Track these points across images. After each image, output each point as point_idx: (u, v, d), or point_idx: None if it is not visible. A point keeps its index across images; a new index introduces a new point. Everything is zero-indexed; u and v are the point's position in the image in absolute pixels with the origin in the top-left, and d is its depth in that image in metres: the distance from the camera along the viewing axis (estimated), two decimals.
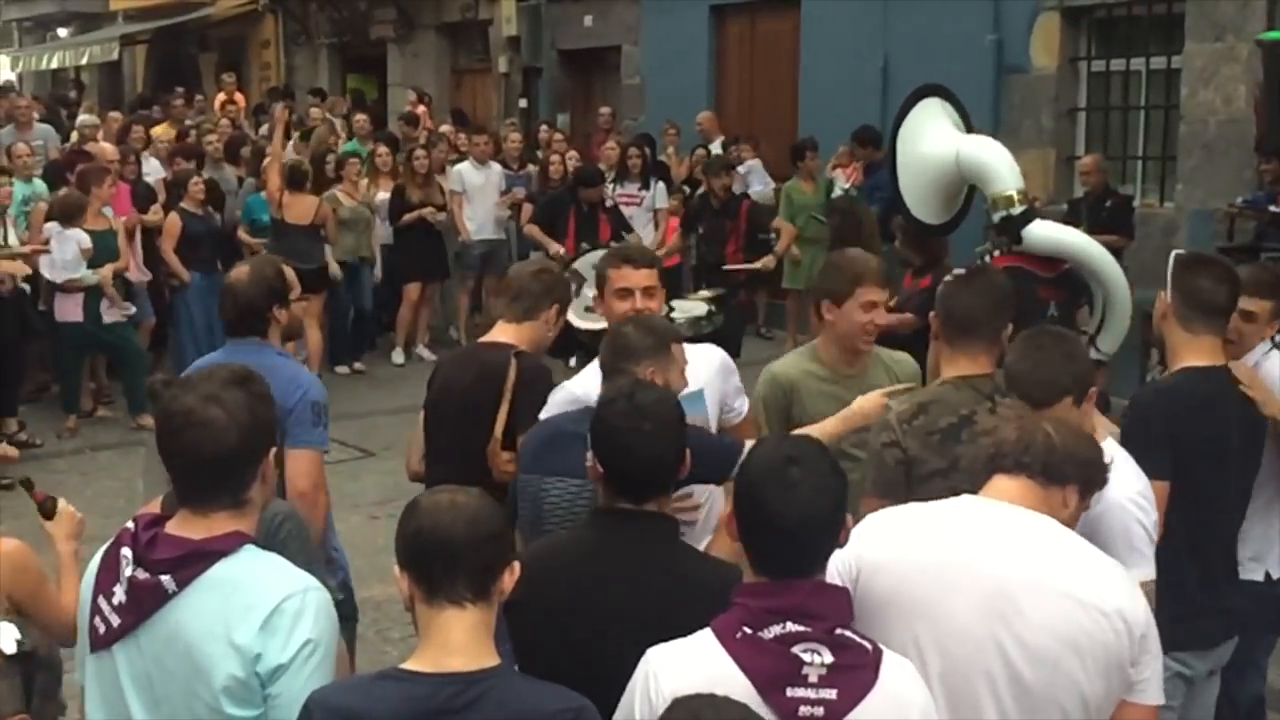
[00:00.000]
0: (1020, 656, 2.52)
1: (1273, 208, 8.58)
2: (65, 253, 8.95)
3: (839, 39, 12.17)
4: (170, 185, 10.75)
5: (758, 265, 10.75)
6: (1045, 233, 5.96)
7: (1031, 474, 2.68)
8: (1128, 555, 3.03)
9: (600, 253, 8.97)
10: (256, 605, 2.40)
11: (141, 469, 7.97)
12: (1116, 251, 7.39)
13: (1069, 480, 2.69)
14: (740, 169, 11.91)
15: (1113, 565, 2.66)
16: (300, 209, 10.44)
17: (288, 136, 11.54)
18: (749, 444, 2.81)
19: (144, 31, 22.77)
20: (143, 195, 10.53)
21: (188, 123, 14.16)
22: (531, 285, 4.19)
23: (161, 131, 12.42)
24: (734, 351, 5.36)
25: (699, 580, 2.69)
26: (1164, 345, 3.91)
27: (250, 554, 2.49)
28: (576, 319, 7.49)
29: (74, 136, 12.73)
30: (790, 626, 2.28)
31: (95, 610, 2.52)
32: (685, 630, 2.38)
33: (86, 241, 8.99)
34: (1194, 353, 3.74)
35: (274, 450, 2.58)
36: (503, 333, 4.20)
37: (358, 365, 11.36)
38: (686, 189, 11.93)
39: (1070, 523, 2.70)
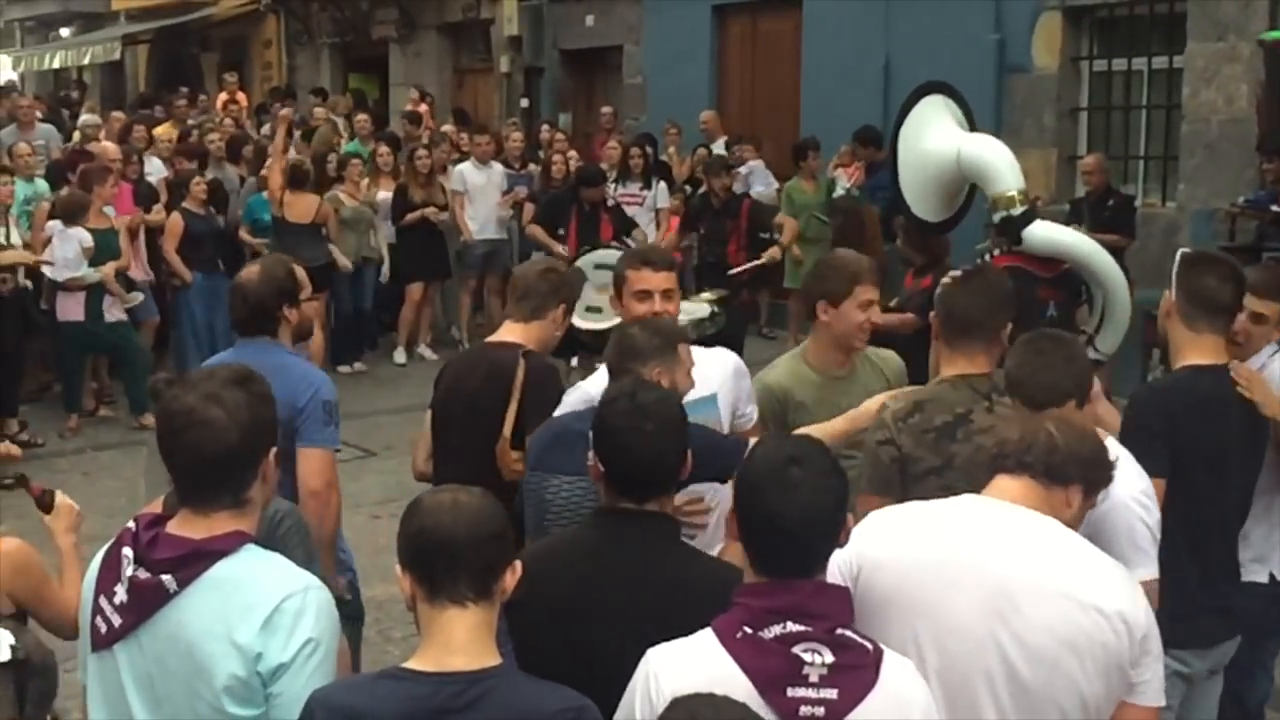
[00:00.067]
0: (1019, 656, 2.53)
1: (1274, 207, 8.57)
2: (67, 251, 8.96)
3: (841, 39, 12.17)
4: (172, 185, 10.75)
5: (763, 260, 10.74)
6: (1045, 233, 5.94)
7: (1034, 474, 2.68)
8: (1131, 554, 3.04)
9: (601, 252, 9.01)
10: (257, 604, 2.40)
11: (143, 469, 7.94)
12: (1118, 252, 7.40)
13: (1072, 480, 2.69)
14: (743, 170, 11.89)
15: (1114, 566, 2.65)
16: (301, 208, 10.47)
17: (290, 136, 11.55)
18: (752, 441, 2.80)
19: (146, 31, 22.81)
20: (145, 195, 10.53)
21: (190, 122, 14.18)
22: (538, 285, 4.18)
23: (164, 131, 12.41)
24: (735, 351, 5.34)
25: (700, 580, 2.68)
26: (1167, 345, 3.90)
27: (251, 553, 2.49)
28: (578, 319, 7.48)
29: (76, 136, 12.75)
30: (791, 626, 2.28)
31: (97, 610, 2.52)
32: (686, 630, 2.38)
33: (88, 240, 9.00)
34: (1196, 351, 3.73)
35: (275, 450, 2.58)
36: (510, 332, 4.19)
37: (359, 365, 11.37)
38: (688, 189, 11.92)
39: (1074, 523, 2.70)
